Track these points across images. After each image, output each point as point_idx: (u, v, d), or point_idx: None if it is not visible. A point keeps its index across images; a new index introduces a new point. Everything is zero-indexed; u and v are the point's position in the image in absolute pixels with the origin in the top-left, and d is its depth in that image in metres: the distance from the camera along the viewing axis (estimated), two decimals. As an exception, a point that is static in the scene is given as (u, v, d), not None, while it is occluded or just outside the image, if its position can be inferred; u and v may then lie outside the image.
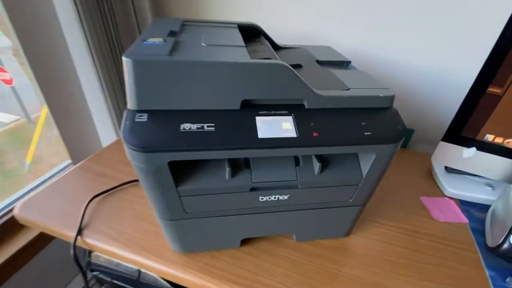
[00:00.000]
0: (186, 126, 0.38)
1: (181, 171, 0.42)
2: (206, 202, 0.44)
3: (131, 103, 0.38)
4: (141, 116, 0.38)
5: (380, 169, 0.46)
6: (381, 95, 0.44)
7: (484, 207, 0.65)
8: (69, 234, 0.53)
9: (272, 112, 0.41)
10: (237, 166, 0.44)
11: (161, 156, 0.37)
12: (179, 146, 0.37)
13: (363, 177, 0.46)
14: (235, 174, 0.43)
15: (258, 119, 0.40)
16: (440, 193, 0.71)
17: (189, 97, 0.38)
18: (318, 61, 0.58)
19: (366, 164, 0.45)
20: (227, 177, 0.42)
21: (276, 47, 0.66)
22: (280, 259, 0.51)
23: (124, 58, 0.35)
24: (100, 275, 0.68)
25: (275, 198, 0.46)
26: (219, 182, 0.42)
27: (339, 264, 0.51)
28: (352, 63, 0.59)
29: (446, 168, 0.72)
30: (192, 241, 0.49)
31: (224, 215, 0.46)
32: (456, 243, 0.57)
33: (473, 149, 0.63)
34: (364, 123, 0.42)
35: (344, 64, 0.60)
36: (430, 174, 0.77)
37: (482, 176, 0.68)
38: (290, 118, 0.41)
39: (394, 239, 0.57)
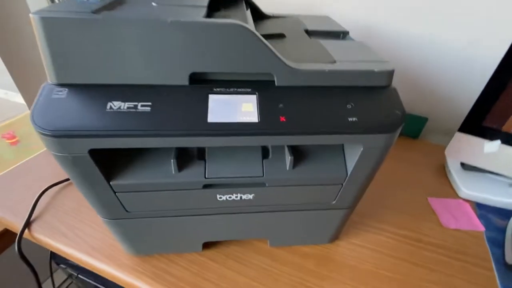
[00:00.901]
0: (114, 104, 0.30)
1: (114, 162, 0.34)
2: (150, 200, 0.36)
3: (49, 75, 0.30)
4: (60, 91, 0.30)
5: (369, 166, 0.36)
6: (375, 70, 0.33)
7: (506, 214, 0.54)
8: (18, 226, 0.48)
9: (232, 89, 0.33)
10: (187, 157, 0.35)
11: (77, 143, 0.29)
12: (101, 130, 0.29)
13: (348, 174, 0.36)
14: (184, 167, 0.35)
15: (212, 98, 0.32)
16: (453, 193, 0.60)
17: (121, 68, 0.30)
18: (307, 31, 0.48)
19: (351, 158, 0.36)
20: (173, 171, 0.34)
21: (262, 16, 0.55)
22: (248, 268, 0.43)
23: (31, 15, 0.27)
24: (67, 269, 0.64)
25: (236, 197, 0.37)
26: (163, 176, 0.34)
27: (319, 278, 0.42)
28: (351, 35, 0.48)
29: (462, 164, 0.60)
30: (143, 243, 0.42)
31: (175, 215, 0.39)
32: (467, 257, 0.47)
33: (498, 142, 0.51)
34: (350, 106, 0.32)
35: (340, 35, 0.49)
36: (443, 170, 0.65)
37: (505, 176, 0.56)
38: (253, 97, 0.32)
39: (391, 248, 0.48)
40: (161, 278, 0.41)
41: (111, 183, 0.33)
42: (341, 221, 0.43)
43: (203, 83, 0.32)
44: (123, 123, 0.29)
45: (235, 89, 0.33)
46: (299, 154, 0.37)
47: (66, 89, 0.30)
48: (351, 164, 0.36)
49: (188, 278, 0.41)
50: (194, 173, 0.35)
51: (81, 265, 0.45)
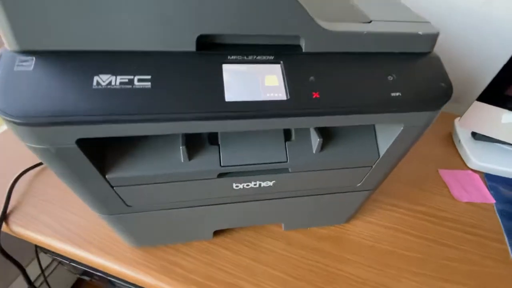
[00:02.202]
0: (102, 79, 0.23)
1: (110, 151, 0.28)
2: (155, 193, 0.31)
3: (6, 39, 0.22)
4: (25, 61, 0.22)
5: (405, 146, 0.32)
6: (420, 33, 0.28)
7: (516, 184, 0.54)
8: (-5, 220, 0.41)
9: (250, 57, 0.26)
10: (198, 142, 0.30)
11: (61, 132, 0.22)
12: (91, 115, 0.22)
13: (380, 156, 0.32)
14: (195, 154, 0.29)
15: (226, 68, 0.25)
16: (461, 164, 0.58)
17: (108, 27, 0.23)
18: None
19: (386, 138, 0.32)
20: (182, 160, 0.29)
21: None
22: (264, 254, 0.40)
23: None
24: (56, 258, 0.59)
25: (255, 185, 0.33)
26: (171, 166, 0.29)
27: (337, 261, 0.40)
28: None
29: (473, 134, 0.58)
30: (147, 234, 0.38)
31: (184, 207, 0.34)
32: (480, 230, 0.47)
33: (518, 112, 0.49)
34: (392, 78, 0.27)
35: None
36: (450, 139, 0.64)
37: (517, 146, 0.55)
38: (277, 67, 0.26)
39: (406, 225, 0.46)
40: (169, 271, 0.38)
41: (107, 176, 0.27)
42: (362, 202, 0.41)
43: (214, 49, 0.26)
44: (117, 104, 0.22)
45: (254, 56, 0.26)
46: (325, 134, 0.32)
47: (33, 57, 0.22)
48: (384, 144, 0.32)
49: (200, 269, 0.38)
50: (207, 161, 0.29)
51: (76, 259, 0.40)
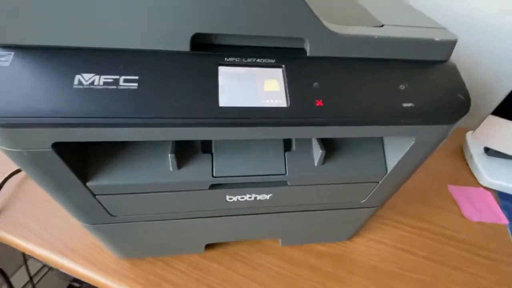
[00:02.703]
0: (84, 78, 0.21)
1: (92, 157, 0.26)
2: (141, 203, 0.28)
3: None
4: (2, 56, 0.21)
5: (416, 161, 0.29)
6: (436, 39, 0.26)
7: (530, 204, 0.50)
8: (-23, 223, 0.39)
9: (249, 60, 0.24)
10: (189, 150, 0.27)
11: (35, 135, 0.20)
12: (66, 117, 0.20)
13: (388, 172, 0.30)
14: (185, 163, 0.27)
15: (222, 71, 0.23)
16: (473, 180, 0.55)
17: (93, 23, 0.21)
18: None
19: (395, 152, 0.29)
20: (171, 169, 0.26)
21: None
22: (257, 271, 0.38)
23: None
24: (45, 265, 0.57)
25: (250, 198, 0.30)
26: (158, 175, 0.26)
27: (336, 281, 0.38)
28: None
29: (486, 149, 0.55)
30: (133, 246, 0.35)
31: (173, 218, 0.31)
32: (492, 253, 0.43)
33: (535, 128, 0.46)
34: (404, 87, 0.25)
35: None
36: (461, 154, 0.61)
37: (532, 163, 0.52)
38: (278, 72, 0.24)
39: (413, 244, 0.43)
40: (156, 285, 0.35)
41: (88, 184, 0.25)
42: (366, 219, 0.38)
43: (210, 50, 0.23)
44: (98, 106, 0.20)
45: (254, 59, 0.24)
46: (329, 145, 0.29)
47: (11, 52, 0.21)
48: (393, 159, 0.29)
49: (188, 284, 0.35)
50: (198, 171, 0.27)
51: (59, 268, 0.38)
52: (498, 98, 0.50)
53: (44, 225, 0.40)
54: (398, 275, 0.39)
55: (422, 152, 0.28)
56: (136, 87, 0.21)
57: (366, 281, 0.38)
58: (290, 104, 0.23)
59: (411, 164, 0.29)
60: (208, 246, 0.38)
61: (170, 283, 0.35)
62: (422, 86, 0.25)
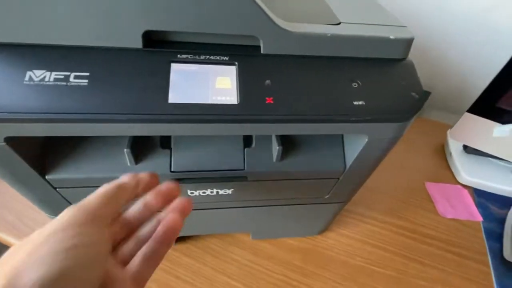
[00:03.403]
0: (35, 74, 0.21)
1: (51, 150, 0.26)
2: (103, 195, 0.29)
3: None
4: None
5: (373, 158, 0.30)
6: (391, 37, 0.26)
7: (505, 202, 0.50)
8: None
9: (202, 57, 0.24)
10: (147, 145, 0.28)
11: (-16, 129, 0.21)
12: (16, 112, 0.21)
13: (347, 168, 0.30)
14: (143, 157, 0.27)
15: (175, 68, 0.24)
16: (451, 177, 0.56)
17: (44, 19, 0.21)
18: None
19: (353, 149, 0.30)
20: (128, 163, 0.27)
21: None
22: (227, 264, 0.38)
23: None
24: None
25: (212, 192, 0.31)
26: (116, 170, 0.27)
27: (305, 275, 0.38)
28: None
29: (465, 147, 0.55)
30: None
31: (138, 211, 0.32)
32: (463, 250, 0.44)
33: (510, 126, 0.46)
34: (356, 85, 0.25)
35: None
36: (442, 151, 0.61)
37: (510, 161, 0.52)
38: (232, 69, 0.25)
39: (384, 240, 0.44)
40: (126, 276, 0.36)
41: (47, 177, 0.26)
42: (334, 214, 0.38)
43: (163, 47, 0.24)
44: (49, 101, 0.21)
45: (207, 56, 0.25)
46: (288, 142, 0.30)
47: None
48: (351, 155, 0.30)
49: (156, 276, 0.36)
50: (156, 166, 0.27)
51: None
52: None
53: (18, 215, 0.41)
54: (365, 269, 0.40)
55: (378, 149, 0.28)
56: (86, 84, 0.22)
57: (334, 276, 0.39)
58: (240, 101, 0.23)
59: (369, 161, 0.30)
60: (179, 239, 0.39)
61: (140, 274, 0.36)
62: (375, 85, 0.26)
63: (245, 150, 0.29)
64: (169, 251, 0.38)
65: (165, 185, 0.23)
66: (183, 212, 0.22)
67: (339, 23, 0.27)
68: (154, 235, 0.20)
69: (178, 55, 0.24)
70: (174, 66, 0.24)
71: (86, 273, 0.15)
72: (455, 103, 0.68)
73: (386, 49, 0.26)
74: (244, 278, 0.37)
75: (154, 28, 0.23)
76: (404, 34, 0.26)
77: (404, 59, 0.28)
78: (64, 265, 0.14)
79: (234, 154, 0.29)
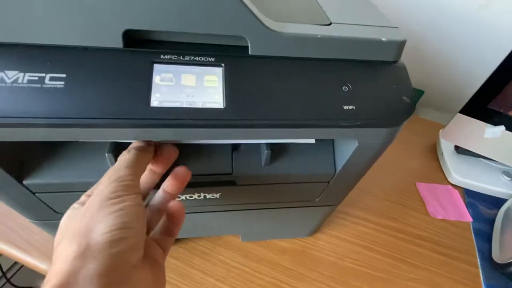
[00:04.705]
0: (8, 75, 0.20)
1: (28, 154, 0.25)
2: (85, 200, 0.28)
3: None
4: None
5: (363, 163, 0.29)
6: (383, 39, 0.25)
7: (495, 203, 0.51)
8: None
9: (187, 57, 0.23)
10: (131, 148, 0.27)
11: (-49, 134, 0.20)
12: (-12, 116, 0.19)
13: (337, 172, 0.30)
14: (127, 161, 0.26)
15: (157, 69, 0.22)
16: (442, 178, 0.56)
17: (18, 16, 0.20)
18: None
19: (343, 153, 0.29)
20: (110, 167, 0.26)
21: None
22: (216, 267, 0.38)
23: None
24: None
25: (199, 196, 0.30)
26: (97, 175, 0.26)
27: (293, 277, 0.38)
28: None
29: (456, 147, 0.55)
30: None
31: (122, 215, 0.31)
32: (451, 251, 0.44)
33: (501, 127, 0.46)
34: (346, 88, 0.24)
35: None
36: (434, 151, 0.61)
37: (501, 163, 0.52)
38: (218, 70, 0.24)
39: (374, 241, 0.44)
40: (112, 280, 0.35)
41: (25, 182, 0.25)
42: (324, 217, 0.38)
43: (145, 46, 0.23)
44: (21, 105, 0.20)
45: (192, 57, 0.23)
46: (277, 146, 0.29)
47: None
48: (341, 159, 0.29)
49: (145, 280, 0.36)
50: (140, 170, 0.26)
51: (18, 261, 0.38)
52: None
53: (2, 218, 0.39)
54: (355, 271, 0.40)
55: (368, 154, 0.28)
56: (62, 86, 0.20)
57: (323, 277, 0.39)
58: (226, 105, 0.22)
59: (359, 165, 0.29)
60: (168, 242, 0.39)
61: (126, 278, 0.36)
62: (366, 88, 0.25)
63: (233, 153, 0.28)
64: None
65: (180, 170, 0.25)
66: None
67: (330, 24, 0.26)
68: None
69: (161, 56, 0.23)
70: (157, 67, 0.23)
71: (138, 227, 0.20)
72: (447, 103, 0.68)
73: (378, 52, 0.26)
74: (233, 280, 0.37)
75: (135, 27, 0.22)
76: (396, 36, 0.26)
77: (396, 61, 0.27)
78: (122, 220, 0.18)
79: (222, 158, 0.28)
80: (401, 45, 0.26)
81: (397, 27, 0.27)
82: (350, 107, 0.24)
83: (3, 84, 0.20)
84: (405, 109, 0.25)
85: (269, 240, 0.42)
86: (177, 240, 0.40)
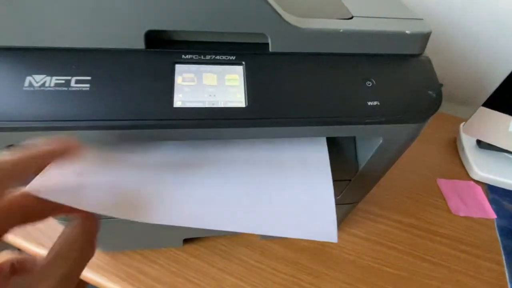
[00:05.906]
0: (35, 79, 0.20)
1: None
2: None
3: None
4: None
5: (387, 160, 0.29)
6: (407, 32, 0.24)
7: (521, 198, 0.49)
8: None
9: (207, 57, 0.23)
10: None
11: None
12: (16, 120, 0.20)
13: (359, 170, 0.29)
14: (149, 161, 0.27)
15: (179, 69, 0.22)
16: (464, 173, 0.54)
17: (46, 22, 0.20)
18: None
19: (365, 151, 0.28)
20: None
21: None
22: (235, 265, 0.38)
23: None
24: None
25: (219, 195, 0.30)
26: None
27: (312, 275, 0.38)
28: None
29: (478, 142, 0.54)
30: (109, 240, 0.36)
31: (144, 215, 0.32)
32: (475, 249, 0.43)
33: (527, 121, 0.44)
34: (370, 84, 0.24)
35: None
36: (454, 146, 0.59)
37: (525, 156, 0.50)
38: (239, 69, 0.23)
39: (394, 239, 0.43)
40: (133, 278, 0.36)
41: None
42: (344, 215, 0.38)
43: (167, 47, 0.23)
44: (50, 108, 0.20)
45: (213, 56, 0.23)
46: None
47: None
48: (364, 156, 0.29)
49: (165, 278, 0.36)
50: (161, 170, 0.27)
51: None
52: (495, 88, 0.48)
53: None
54: (374, 269, 0.39)
55: (392, 151, 0.27)
56: (88, 88, 0.21)
57: (341, 276, 0.38)
58: (249, 104, 0.22)
59: (382, 163, 0.29)
60: (187, 240, 0.39)
61: (147, 275, 0.36)
62: (390, 83, 0.24)
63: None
64: (177, 252, 0.38)
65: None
66: None
67: (352, 17, 0.25)
68: None
69: (183, 56, 0.23)
70: (179, 68, 0.23)
71: None
72: (467, 96, 0.65)
73: (402, 45, 0.25)
74: (252, 279, 0.37)
75: (157, 28, 0.22)
76: (421, 28, 0.25)
77: (420, 54, 0.26)
78: None
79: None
80: (425, 37, 0.25)
81: (421, 19, 0.26)
82: (375, 103, 0.23)
83: (31, 88, 0.20)
84: (432, 104, 0.24)
85: (286, 239, 0.41)
86: (196, 239, 0.40)
